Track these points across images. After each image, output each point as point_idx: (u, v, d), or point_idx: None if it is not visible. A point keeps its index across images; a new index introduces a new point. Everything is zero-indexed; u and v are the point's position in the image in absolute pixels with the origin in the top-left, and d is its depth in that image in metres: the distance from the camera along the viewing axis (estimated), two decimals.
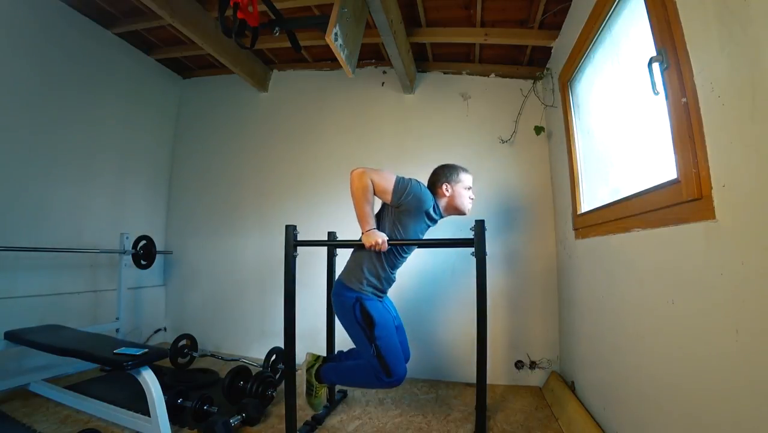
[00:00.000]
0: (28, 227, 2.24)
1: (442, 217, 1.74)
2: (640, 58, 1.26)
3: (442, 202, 1.72)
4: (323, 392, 1.81)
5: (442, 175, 1.73)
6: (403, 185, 1.55)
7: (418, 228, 1.65)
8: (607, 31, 1.61)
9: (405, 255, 1.72)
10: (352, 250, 1.74)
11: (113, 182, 2.81)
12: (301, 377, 1.75)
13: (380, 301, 1.68)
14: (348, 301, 1.60)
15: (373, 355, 1.54)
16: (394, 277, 1.73)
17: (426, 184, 1.72)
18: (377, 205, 1.64)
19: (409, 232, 1.62)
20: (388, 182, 1.55)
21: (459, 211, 1.74)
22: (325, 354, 1.98)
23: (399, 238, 1.61)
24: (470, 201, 1.75)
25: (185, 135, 3.33)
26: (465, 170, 1.76)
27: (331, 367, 1.77)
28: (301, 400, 1.71)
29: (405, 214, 1.59)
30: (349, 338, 1.66)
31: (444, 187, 1.70)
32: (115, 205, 2.83)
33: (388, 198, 1.56)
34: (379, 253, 1.61)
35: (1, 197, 2.12)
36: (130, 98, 2.91)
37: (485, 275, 1.51)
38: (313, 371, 1.78)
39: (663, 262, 1.14)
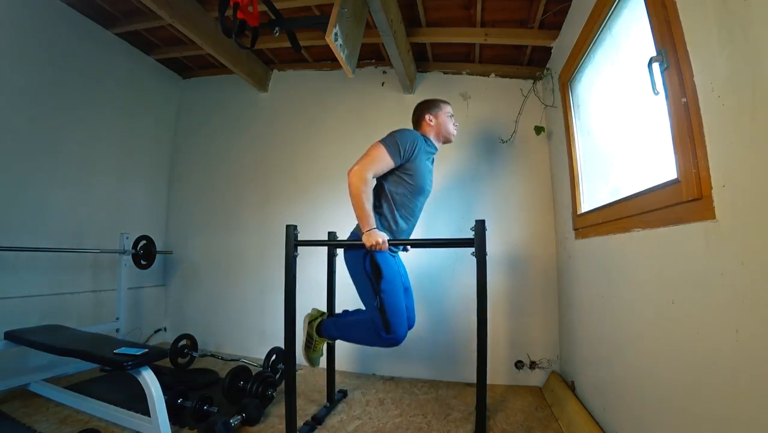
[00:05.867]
0: (28, 227, 2.24)
1: (436, 149, 1.80)
2: (640, 58, 1.26)
3: (432, 133, 1.79)
4: (322, 346, 1.82)
5: (424, 108, 1.82)
6: (394, 146, 1.59)
7: (424, 167, 1.69)
8: (607, 31, 1.61)
9: (419, 200, 1.73)
10: None
11: (113, 182, 2.81)
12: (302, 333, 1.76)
13: (392, 256, 1.69)
14: (360, 252, 1.61)
15: (376, 307, 1.55)
16: (409, 233, 1.76)
17: (412, 127, 1.79)
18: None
19: (417, 173, 1.65)
20: (382, 158, 1.58)
21: (447, 138, 1.82)
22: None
23: (408, 186, 1.65)
24: (455, 127, 1.83)
25: (185, 135, 3.33)
26: (444, 101, 1.84)
27: (332, 321, 1.79)
28: (301, 397, 1.71)
29: (408, 162, 1.63)
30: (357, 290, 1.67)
31: (427, 118, 1.79)
32: (115, 205, 2.82)
33: (393, 164, 1.60)
34: (392, 207, 1.64)
35: (1, 197, 2.12)
36: (130, 98, 2.91)
37: (485, 275, 1.51)
38: (315, 324, 1.79)
39: (663, 262, 1.14)
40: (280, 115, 3.10)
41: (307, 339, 1.78)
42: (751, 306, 0.79)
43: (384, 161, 1.58)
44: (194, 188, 3.23)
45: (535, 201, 2.56)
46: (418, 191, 1.69)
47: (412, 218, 1.73)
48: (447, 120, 1.80)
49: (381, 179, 1.68)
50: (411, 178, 1.65)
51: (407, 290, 1.79)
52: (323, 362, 2.04)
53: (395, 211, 1.66)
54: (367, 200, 1.54)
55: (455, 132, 1.84)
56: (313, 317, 1.82)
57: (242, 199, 3.09)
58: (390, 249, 1.67)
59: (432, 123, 1.78)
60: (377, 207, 1.66)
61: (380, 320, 1.55)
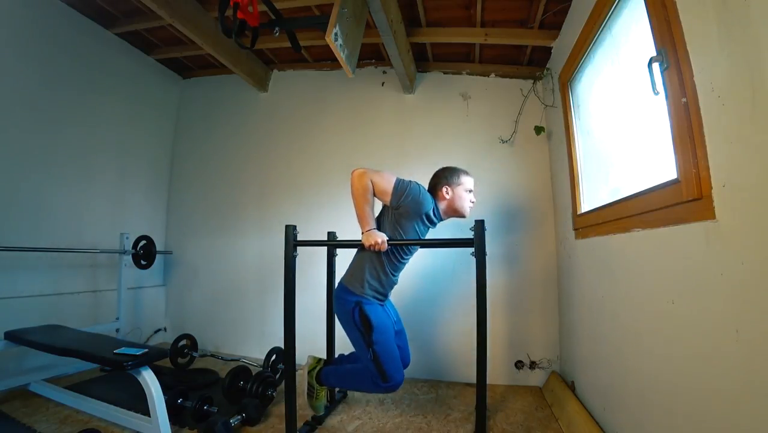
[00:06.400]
0: (28, 227, 2.24)
1: (441, 220, 1.74)
2: (640, 58, 1.26)
3: (442, 205, 1.71)
4: (324, 394, 1.82)
5: (443, 177, 1.72)
6: (402, 187, 1.56)
7: (418, 230, 1.65)
8: (607, 31, 1.61)
9: (406, 257, 1.72)
10: (354, 251, 1.75)
11: (113, 182, 2.81)
12: (302, 379, 1.75)
13: (381, 305, 1.68)
14: (348, 304, 1.60)
15: (370, 359, 1.55)
16: (396, 280, 1.73)
17: (427, 187, 1.71)
18: (377, 207, 1.65)
19: (409, 234, 1.62)
20: (387, 183, 1.55)
21: (459, 214, 1.73)
22: (325, 356, 1.99)
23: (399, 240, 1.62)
24: (471, 204, 1.73)
25: (185, 135, 3.33)
26: (466, 173, 1.74)
27: (331, 370, 1.78)
28: (302, 401, 1.71)
29: (404, 217, 1.59)
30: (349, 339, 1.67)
31: (444, 189, 1.69)
32: (115, 205, 2.83)
33: (387, 199, 1.57)
34: (380, 255, 1.61)
35: (2, 197, 2.12)
36: (130, 98, 2.91)
37: (485, 275, 1.51)
38: (314, 374, 1.79)
39: (663, 262, 1.14)
40: (279, 115, 3.10)
41: (308, 389, 1.78)
42: (751, 306, 0.79)
43: (384, 187, 1.55)
44: (194, 188, 3.23)
45: (535, 201, 2.56)
46: (407, 250, 1.69)
47: (397, 272, 1.72)
48: (463, 196, 1.70)
49: (381, 227, 1.65)
50: (403, 235, 1.62)
51: (400, 332, 1.78)
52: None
53: (386, 266, 1.64)
54: (366, 202, 1.54)
55: (469, 210, 1.73)
56: (312, 367, 1.81)
57: (242, 199, 3.09)
58: (378, 298, 1.67)
59: (447, 196, 1.69)
60: (369, 261, 1.63)
61: (375, 370, 1.54)
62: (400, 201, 1.55)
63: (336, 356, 2.01)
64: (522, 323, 2.47)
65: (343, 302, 1.63)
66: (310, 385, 1.78)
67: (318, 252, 2.35)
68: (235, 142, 3.17)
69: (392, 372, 1.54)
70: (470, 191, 1.73)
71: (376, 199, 1.59)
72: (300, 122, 3.04)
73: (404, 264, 1.73)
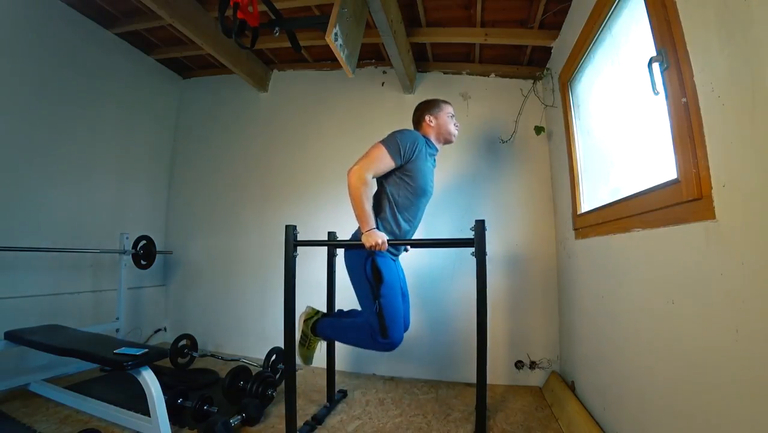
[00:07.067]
0: (28, 227, 2.24)
1: (437, 150, 1.80)
2: (640, 58, 1.26)
3: (432, 134, 1.77)
4: (316, 345, 1.83)
5: (424, 110, 1.80)
6: (394, 146, 1.58)
7: (425, 168, 1.67)
8: (607, 31, 1.61)
9: (420, 204, 1.71)
10: None
11: (113, 182, 2.81)
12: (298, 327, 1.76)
13: (393, 261, 1.69)
14: (361, 255, 1.61)
15: (374, 312, 1.55)
16: (410, 234, 1.75)
17: (412, 127, 1.80)
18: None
19: (418, 174, 1.64)
20: (383, 159, 1.57)
21: (447, 139, 1.80)
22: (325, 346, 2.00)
23: (410, 188, 1.64)
24: (456, 127, 1.81)
25: (185, 135, 3.33)
26: (445, 101, 1.82)
27: (328, 321, 1.79)
28: (302, 401, 1.71)
29: (407, 162, 1.62)
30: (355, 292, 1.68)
31: (428, 119, 1.77)
32: (115, 205, 2.83)
33: (393, 164, 1.59)
34: (393, 209, 1.64)
35: (2, 197, 2.12)
36: (130, 98, 2.91)
37: (485, 275, 1.51)
38: (311, 323, 1.79)
39: (663, 262, 1.14)
40: (280, 115, 3.10)
41: (302, 337, 1.79)
42: (751, 306, 0.79)
43: (384, 161, 1.57)
44: (194, 188, 3.23)
45: (535, 201, 2.56)
46: (420, 193, 1.68)
47: (414, 219, 1.73)
48: (448, 121, 1.78)
49: (382, 182, 1.67)
50: (412, 180, 1.63)
51: (404, 295, 1.79)
52: (323, 361, 2.05)
53: (397, 214, 1.65)
54: (366, 200, 1.53)
55: (456, 132, 1.81)
56: (309, 316, 1.82)
57: (242, 199, 3.09)
58: (391, 253, 1.67)
59: (432, 124, 1.77)
60: (379, 211, 1.66)
61: (378, 324, 1.55)
62: (405, 156, 1.59)
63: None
64: (522, 323, 2.47)
65: (356, 252, 1.64)
66: (303, 333, 1.78)
67: (318, 252, 2.35)
68: (234, 143, 3.17)
69: (393, 330, 1.55)
70: (453, 116, 1.81)
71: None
72: (300, 122, 3.04)
73: (420, 212, 1.74)
